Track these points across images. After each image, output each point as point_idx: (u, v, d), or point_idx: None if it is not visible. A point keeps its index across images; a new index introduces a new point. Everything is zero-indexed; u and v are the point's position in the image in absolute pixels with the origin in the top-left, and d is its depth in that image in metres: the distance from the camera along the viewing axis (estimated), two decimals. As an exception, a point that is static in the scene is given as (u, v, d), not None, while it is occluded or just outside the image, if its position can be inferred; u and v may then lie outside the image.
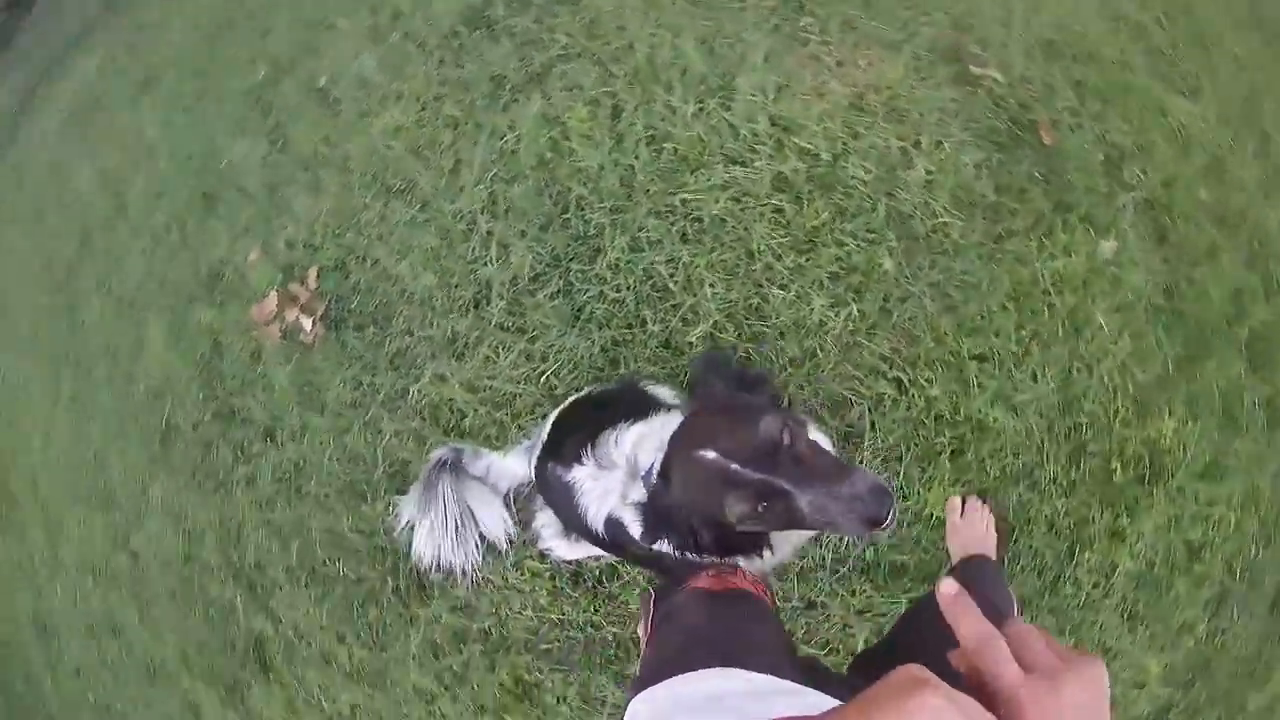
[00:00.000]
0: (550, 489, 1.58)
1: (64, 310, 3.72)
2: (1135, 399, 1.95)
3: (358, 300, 2.20)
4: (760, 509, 1.05)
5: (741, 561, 1.26)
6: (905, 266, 1.82)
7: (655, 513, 1.16)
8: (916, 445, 1.88)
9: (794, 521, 1.07)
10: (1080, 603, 1.85)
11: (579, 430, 1.47)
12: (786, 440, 1.05)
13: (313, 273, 2.23)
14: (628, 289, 1.90)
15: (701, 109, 1.86)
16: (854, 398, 1.85)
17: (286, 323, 2.23)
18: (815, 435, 1.23)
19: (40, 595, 3.94)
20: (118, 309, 3.22)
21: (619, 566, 2.00)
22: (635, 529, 1.23)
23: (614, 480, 1.33)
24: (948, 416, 1.88)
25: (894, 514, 1.04)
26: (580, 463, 1.42)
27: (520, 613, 2.07)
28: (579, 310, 1.92)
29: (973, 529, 1.84)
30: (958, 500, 1.86)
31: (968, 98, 1.83)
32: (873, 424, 1.87)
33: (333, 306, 2.22)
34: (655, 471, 1.20)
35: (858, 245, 1.82)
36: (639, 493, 1.25)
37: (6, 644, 4.50)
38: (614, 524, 1.22)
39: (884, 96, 1.83)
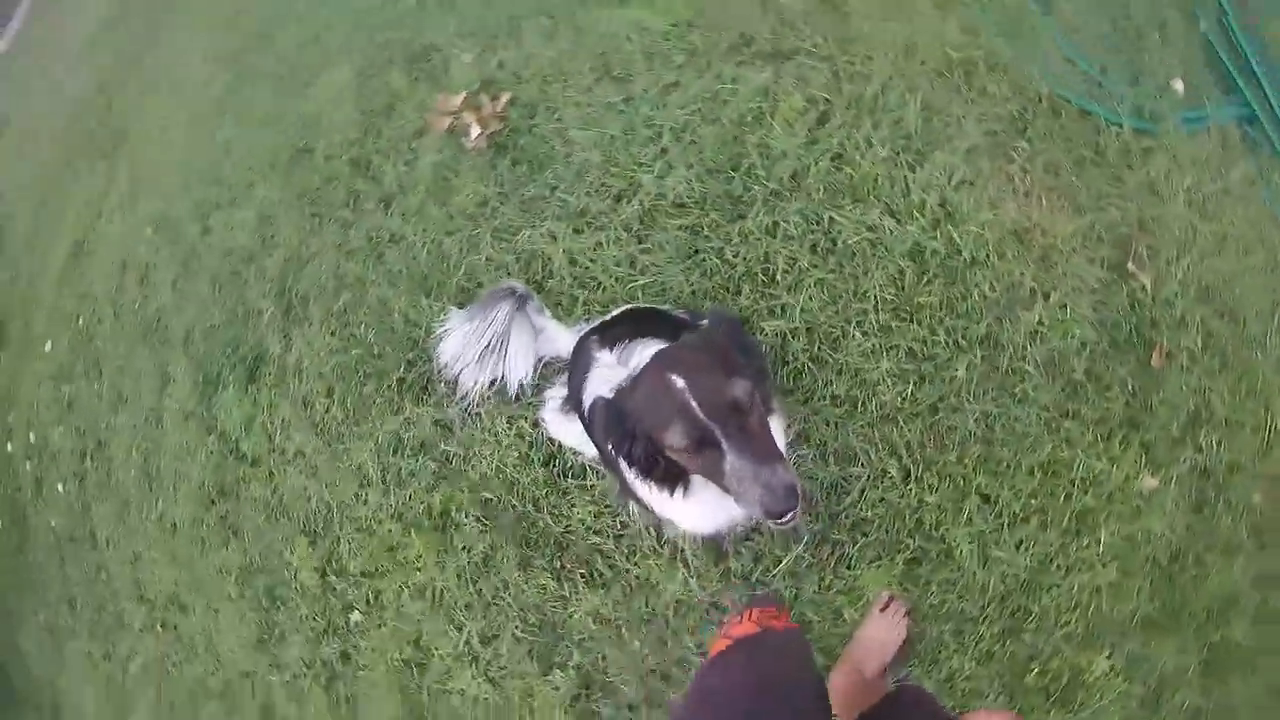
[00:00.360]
0: (577, 360, 1.75)
1: (257, 27, 4.00)
2: (1088, 623, 2.01)
3: (526, 140, 2.42)
4: (693, 447, 1.18)
5: (656, 497, 1.39)
6: (973, 383, 1.94)
7: (614, 407, 1.28)
8: (886, 532, 1.99)
9: (713, 475, 1.22)
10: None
11: (632, 327, 1.65)
12: (746, 406, 1.18)
13: (505, 97, 2.46)
14: (743, 260, 2.07)
15: (892, 157, 2.03)
16: (862, 459, 1.98)
17: (459, 123, 2.46)
18: (776, 419, 1.37)
19: (95, 221, 4.22)
20: (315, 43, 3.49)
21: (587, 471, 2.14)
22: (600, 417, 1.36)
23: (617, 376, 1.47)
24: (927, 527, 1.99)
25: (795, 516, 1.18)
26: (610, 350, 1.59)
27: (485, 458, 2.24)
28: (695, 251, 2.09)
29: (888, 629, 1.94)
30: (888, 596, 1.96)
31: (1112, 285, 1.95)
32: (863, 490, 1.99)
33: (504, 133, 2.44)
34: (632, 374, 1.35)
35: (946, 341, 1.95)
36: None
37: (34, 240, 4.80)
38: (594, 407, 1.34)
39: (1045, 240, 1.96)
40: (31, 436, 3.82)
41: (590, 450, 2.02)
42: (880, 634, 1.94)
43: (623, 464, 1.33)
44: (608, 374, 1.56)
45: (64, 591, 3.67)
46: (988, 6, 2.09)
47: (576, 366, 1.73)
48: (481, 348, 2.06)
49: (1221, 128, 2.06)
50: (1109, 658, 2.00)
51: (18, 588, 4.03)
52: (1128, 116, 2.00)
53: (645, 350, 1.53)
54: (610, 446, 1.30)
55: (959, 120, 2.03)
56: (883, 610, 1.95)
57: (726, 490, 1.22)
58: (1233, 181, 2.00)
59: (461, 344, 2.06)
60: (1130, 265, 1.97)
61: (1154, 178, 2.01)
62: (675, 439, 1.18)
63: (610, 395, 1.34)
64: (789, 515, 1.17)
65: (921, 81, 2.07)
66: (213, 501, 2.80)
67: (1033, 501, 1.96)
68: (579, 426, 1.83)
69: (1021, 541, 1.97)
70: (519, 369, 2.10)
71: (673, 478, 1.33)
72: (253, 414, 2.70)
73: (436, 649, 2.33)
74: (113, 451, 3.31)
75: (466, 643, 2.28)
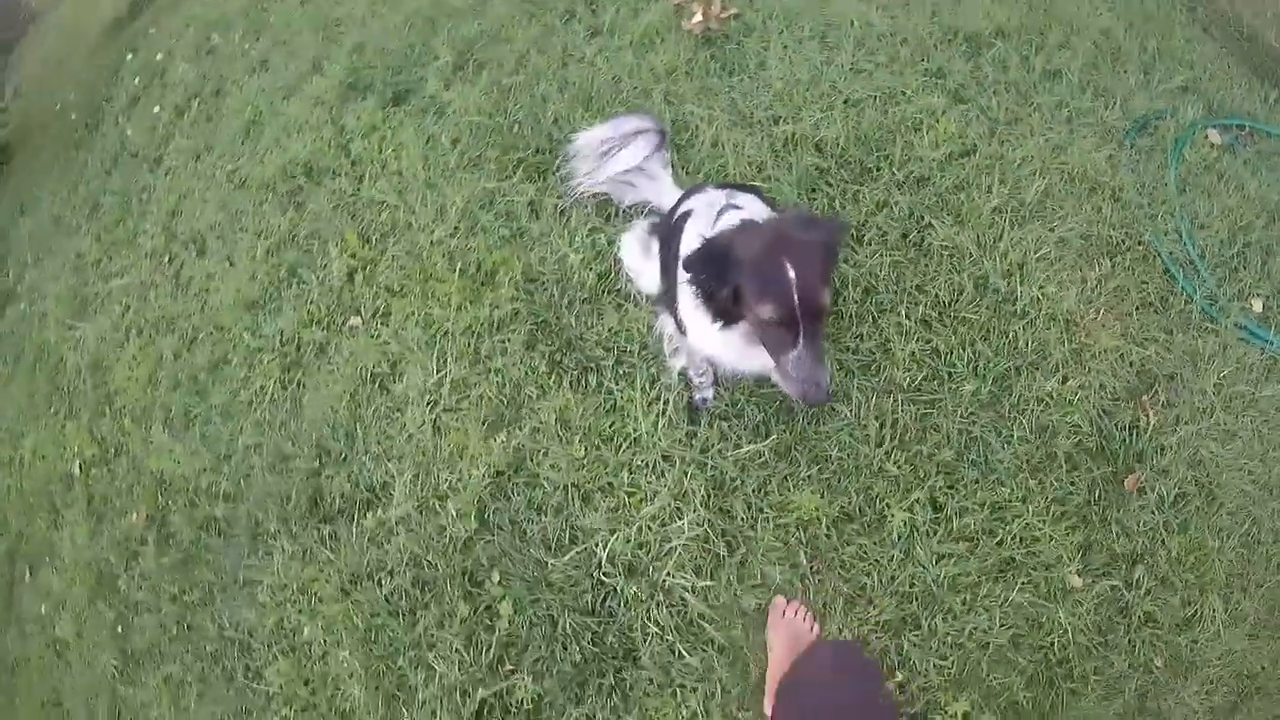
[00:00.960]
0: (684, 201, 1.99)
1: None
2: (962, 669, 2.07)
3: (731, 48, 2.75)
4: (775, 324, 1.43)
5: (702, 330, 1.62)
6: (972, 406, 2.16)
7: (721, 250, 1.49)
8: (838, 477, 2.16)
9: (775, 350, 1.47)
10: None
11: (745, 188, 1.92)
12: (828, 314, 1.46)
13: (733, 10, 2.82)
14: (847, 213, 2.35)
15: (1001, 208, 2.32)
16: (852, 407, 2.18)
17: (688, 7, 2.81)
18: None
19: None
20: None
21: (630, 299, 2.35)
22: (690, 244, 1.63)
23: (711, 217, 1.73)
24: (874, 493, 2.13)
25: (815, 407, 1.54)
26: (719, 189, 1.88)
27: (553, 249, 2.46)
28: (814, 189, 2.39)
29: (796, 631, 2.02)
30: (784, 600, 2.07)
31: (1122, 403, 2.16)
32: (838, 431, 2.18)
33: (718, 33, 2.78)
34: (747, 221, 1.60)
35: (968, 361, 2.20)
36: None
37: None
38: (708, 241, 1.55)
39: (1085, 339, 2.21)
40: (158, 57, 4.07)
41: (645, 283, 2.25)
42: (791, 644, 1.99)
43: (687, 293, 1.56)
44: (705, 211, 1.81)
45: (93, 194, 3.85)
46: (1138, 153, 2.41)
47: (679, 207, 1.98)
48: (607, 161, 2.32)
49: (1276, 356, 2.32)
50: (969, 709, 2.07)
51: (51, 176, 4.21)
52: (1201, 298, 2.27)
53: (753, 208, 1.80)
54: (699, 276, 1.51)
55: (1067, 216, 2.31)
56: (783, 616, 2.05)
57: (777, 367, 1.49)
58: (1262, 396, 2.23)
59: (594, 148, 2.33)
60: (1144, 399, 2.19)
61: (1198, 350, 2.23)
62: (767, 312, 1.43)
63: (721, 238, 1.55)
64: (812, 405, 1.59)
65: (1055, 173, 2.38)
66: (294, 176, 3.02)
67: (971, 527, 2.11)
68: (652, 262, 2.08)
69: (945, 557, 2.11)
70: (626, 195, 2.36)
71: (730, 320, 1.56)
72: (378, 126, 2.95)
73: (406, 377, 2.49)
74: (226, 104, 3.56)
75: (436, 385, 2.45)
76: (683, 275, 1.56)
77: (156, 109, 3.82)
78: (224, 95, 3.59)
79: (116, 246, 3.55)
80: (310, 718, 2.57)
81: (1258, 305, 2.31)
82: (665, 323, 2.06)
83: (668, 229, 1.98)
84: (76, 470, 3.35)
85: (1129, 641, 2.07)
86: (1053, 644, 2.06)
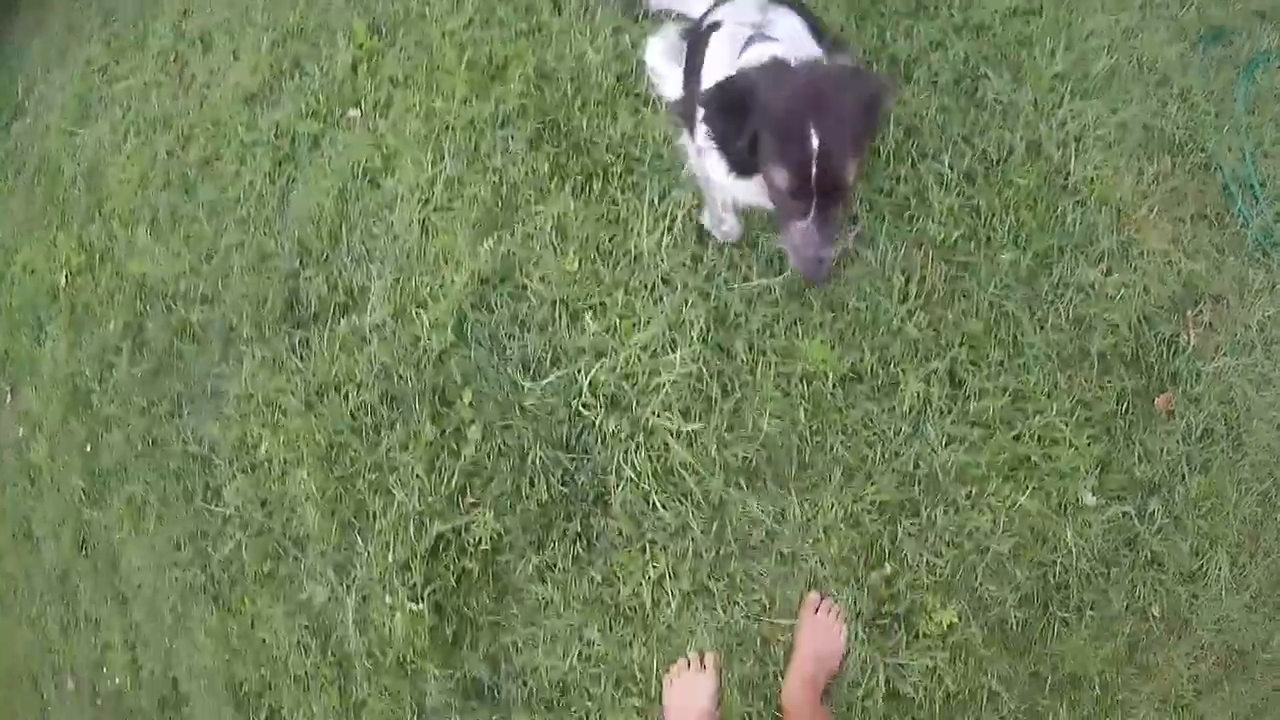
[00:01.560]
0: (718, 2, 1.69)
1: None
2: (955, 576, 1.88)
3: None
4: (787, 193, 1.25)
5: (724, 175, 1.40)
6: (1008, 278, 1.92)
7: (738, 95, 1.26)
8: (853, 330, 1.92)
9: (785, 216, 1.32)
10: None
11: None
12: (846, 193, 1.26)
13: None
14: (897, 44, 2.06)
15: (1067, 73, 2.04)
16: (879, 258, 1.93)
17: None
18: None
19: None
20: None
21: (648, 103, 2.09)
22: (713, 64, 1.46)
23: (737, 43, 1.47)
24: (890, 354, 1.90)
25: (819, 276, 1.34)
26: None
27: (570, 44, 2.21)
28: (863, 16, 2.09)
29: (825, 637, 1.86)
30: (819, 596, 1.89)
31: (1164, 313, 1.94)
32: (859, 281, 1.91)
33: None
34: (778, 60, 1.32)
35: (1010, 228, 1.94)
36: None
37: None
38: (727, 82, 1.30)
39: (1135, 234, 1.97)
40: None
41: (668, 89, 1.97)
42: (817, 643, 1.86)
43: (702, 131, 1.35)
44: (731, 46, 1.50)
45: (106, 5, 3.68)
46: (1210, 60, 2.09)
47: (709, 14, 1.69)
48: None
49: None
50: (955, 620, 1.89)
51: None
52: (1256, 227, 1.98)
53: (794, 30, 1.50)
54: (714, 120, 1.30)
55: (1132, 101, 2.03)
56: (815, 613, 1.87)
57: (783, 230, 1.35)
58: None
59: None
60: (1189, 315, 1.93)
61: (1247, 280, 1.96)
62: (779, 179, 1.24)
63: (743, 79, 1.29)
64: (816, 277, 1.35)
65: (1123, 54, 2.06)
66: None
67: (989, 413, 1.87)
68: (677, 68, 1.80)
69: (956, 440, 1.88)
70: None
71: (745, 172, 1.35)
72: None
73: (399, 173, 2.29)
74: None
75: (430, 181, 2.23)
76: (699, 113, 1.35)
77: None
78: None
79: (125, 50, 3.39)
80: (264, 542, 2.46)
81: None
82: (684, 138, 1.79)
83: (695, 36, 1.70)
84: (63, 281, 3.25)
85: (1130, 581, 1.89)
86: (1055, 563, 1.88)
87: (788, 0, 1.61)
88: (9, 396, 3.54)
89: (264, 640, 2.47)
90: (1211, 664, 1.91)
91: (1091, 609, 1.89)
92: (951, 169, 1.96)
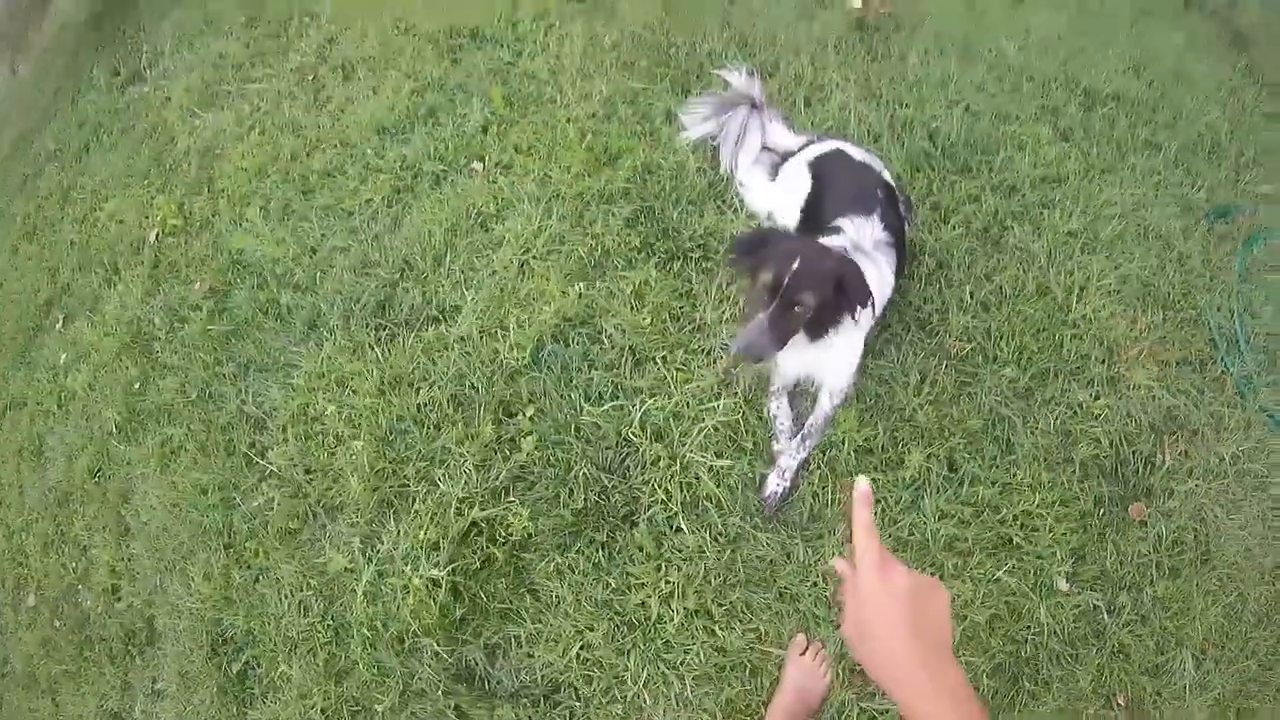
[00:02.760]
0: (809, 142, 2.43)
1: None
2: None
3: (890, 37, 3.12)
4: (761, 290, 1.89)
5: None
6: (1007, 389, 2.39)
7: (760, 243, 2.00)
8: (869, 411, 2.35)
9: (753, 299, 1.95)
10: None
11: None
12: (799, 314, 1.91)
13: (890, 8, 3.21)
14: (965, 217, 2.64)
15: (1081, 231, 2.62)
16: (899, 356, 2.41)
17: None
18: (855, 328, 2.09)
19: None
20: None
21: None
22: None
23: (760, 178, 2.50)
24: (899, 437, 2.32)
25: (748, 352, 1.92)
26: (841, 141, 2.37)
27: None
28: (917, 169, 2.69)
29: (810, 675, 2.13)
30: (804, 640, 2.18)
31: (1143, 437, 2.35)
32: (880, 375, 2.39)
33: (875, 26, 3.16)
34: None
35: (1013, 350, 2.43)
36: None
37: None
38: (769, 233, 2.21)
39: (1123, 370, 2.44)
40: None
41: (751, 199, 2.60)
42: (802, 680, 2.10)
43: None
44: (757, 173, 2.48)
45: (255, 5, 4.19)
46: (1212, 234, 2.66)
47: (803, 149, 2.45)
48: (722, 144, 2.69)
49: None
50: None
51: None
52: (1237, 374, 2.45)
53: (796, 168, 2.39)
54: (743, 253, 2.01)
55: (1134, 260, 2.57)
56: (801, 654, 2.15)
57: (744, 320, 2.01)
58: (1274, 484, 2.40)
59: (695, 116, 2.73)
60: (1166, 441, 2.38)
61: (1224, 418, 2.40)
62: (765, 277, 1.90)
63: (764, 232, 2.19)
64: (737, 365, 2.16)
65: (1132, 222, 2.65)
66: (459, 35, 3.47)
67: (979, 497, 2.24)
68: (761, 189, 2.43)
69: (948, 515, 2.24)
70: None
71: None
72: (550, 12, 3.36)
73: (509, 221, 2.79)
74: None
75: (535, 234, 2.75)
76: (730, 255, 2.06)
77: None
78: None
79: (264, 56, 3.87)
80: (297, 504, 2.71)
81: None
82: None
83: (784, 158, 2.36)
84: (153, 238, 3.59)
85: (1098, 666, 2.16)
86: (1026, 639, 2.17)
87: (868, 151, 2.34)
88: (60, 323, 3.80)
89: (264, 595, 2.64)
90: (1173, 759, 2.07)
91: (1059, 683, 2.12)
92: (971, 297, 2.49)
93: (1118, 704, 2.14)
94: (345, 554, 2.57)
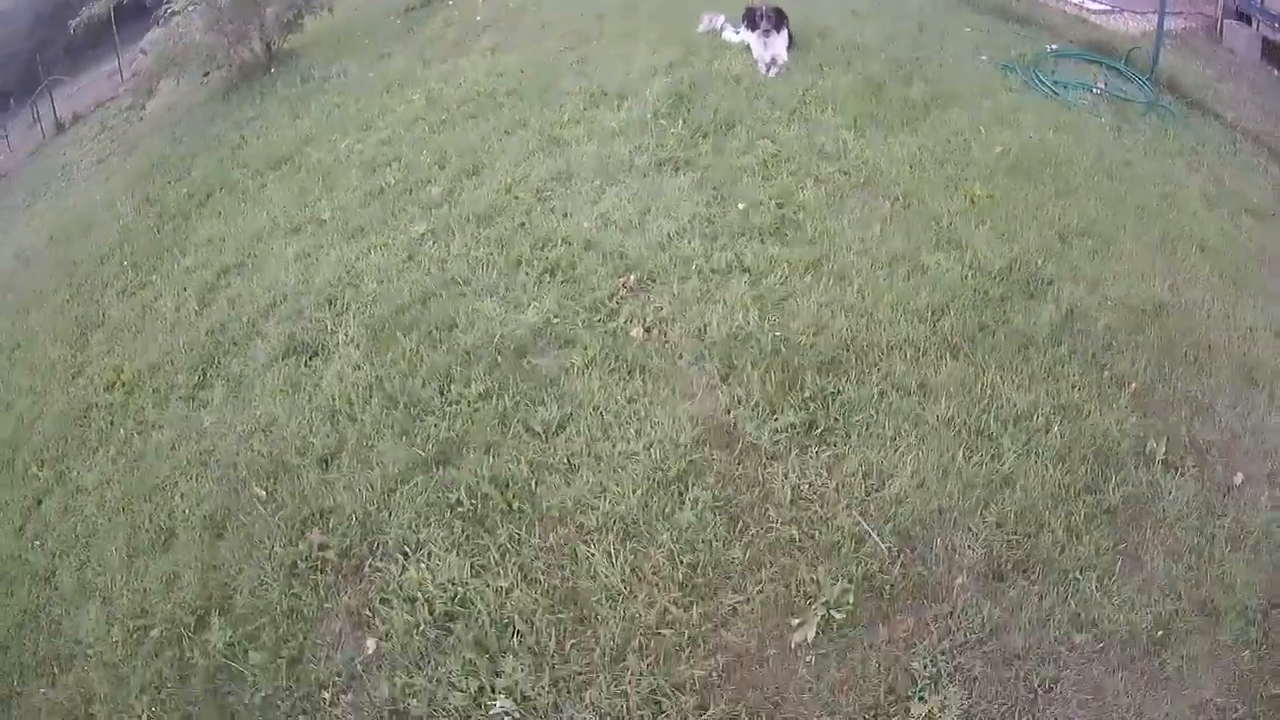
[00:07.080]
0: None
1: None
2: None
3: None
4: (755, 20, 5.87)
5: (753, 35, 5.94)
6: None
7: (751, 8, 6.00)
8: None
9: (757, 38, 5.89)
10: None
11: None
12: (773, 25, 5.84)
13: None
14: None
15: None
16: None
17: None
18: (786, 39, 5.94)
19: None
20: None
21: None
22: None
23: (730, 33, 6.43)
24: None
25: (770, 69, 5.80)
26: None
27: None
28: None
29: None
30: None
31: None
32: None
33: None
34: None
35: None
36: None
37: None
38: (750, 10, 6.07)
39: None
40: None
41: (729, 36, 6.34)
42: None
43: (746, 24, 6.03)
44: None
45: (380, 63, 7.42)
46: None
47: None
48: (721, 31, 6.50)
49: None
50: None
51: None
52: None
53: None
54: (749, 12, 5.94)
55: None
56: None
57: (753, 44, 5.92)
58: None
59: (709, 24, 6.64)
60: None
61: None
62: (757, 15, 5.78)
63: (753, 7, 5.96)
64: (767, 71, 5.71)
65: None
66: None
67: None
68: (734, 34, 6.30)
69: None
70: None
71: (751, 26, 5.94)
72: None
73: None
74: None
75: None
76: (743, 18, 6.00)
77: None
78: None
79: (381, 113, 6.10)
80: None
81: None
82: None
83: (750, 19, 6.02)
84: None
85: None
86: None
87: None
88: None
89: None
90: None
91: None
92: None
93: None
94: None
